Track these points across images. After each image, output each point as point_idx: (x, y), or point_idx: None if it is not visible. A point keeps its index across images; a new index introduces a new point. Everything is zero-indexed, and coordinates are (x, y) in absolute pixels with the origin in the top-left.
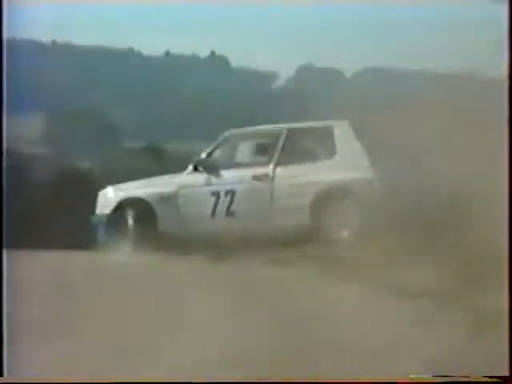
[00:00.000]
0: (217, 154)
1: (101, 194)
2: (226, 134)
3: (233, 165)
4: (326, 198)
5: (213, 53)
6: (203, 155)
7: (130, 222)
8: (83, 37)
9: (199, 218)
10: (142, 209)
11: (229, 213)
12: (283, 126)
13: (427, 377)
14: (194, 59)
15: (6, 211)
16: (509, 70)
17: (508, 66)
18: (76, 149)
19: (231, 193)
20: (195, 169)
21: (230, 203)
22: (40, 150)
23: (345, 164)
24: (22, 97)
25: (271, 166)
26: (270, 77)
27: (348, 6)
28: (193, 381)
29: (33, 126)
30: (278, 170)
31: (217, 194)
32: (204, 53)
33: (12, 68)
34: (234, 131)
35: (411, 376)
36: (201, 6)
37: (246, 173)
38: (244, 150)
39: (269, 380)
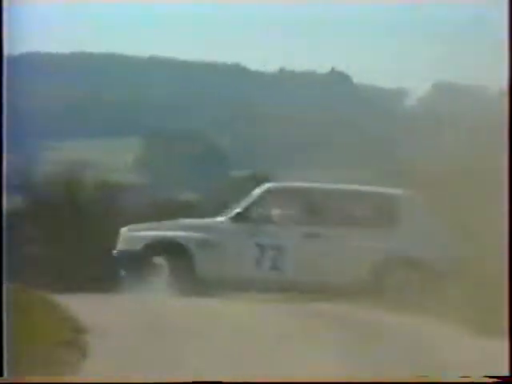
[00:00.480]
0: (259, 206)
1: (127, 229)
2: (268, 186)
3: (280, 219)
4: (393, 267)
5: (332, 69)
6: (243, 205)
7: (163, 263)
8: (184, 51)
9: (242, 267)
10: (177, 251)
11: (275, 267)
12: (334, 188)
13: (427, 377)
14: (311, 76)
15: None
16: (509, 70)
17: (508, 66)
18: (176, 177)
19: (278, 248)
20: (237, 218)
21: (277, 258)
22: (137, 179)
23: (411, 235)
24: (121, 120)
25: (324, 225)
26: (398, 94)
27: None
28: None
29: (129, 152)
30: (333, 230)
31: (261, 247)
32: (322, 69)
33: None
34: (277, 185)
35: (412, 376)
36: (318, 23)
37: (296, 230)
38: (289, 206)
39: (269, 380)
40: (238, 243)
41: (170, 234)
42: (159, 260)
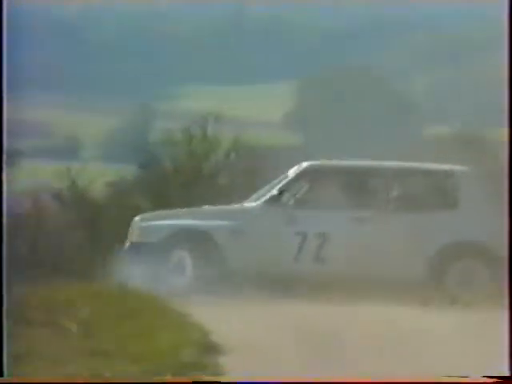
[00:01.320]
0: (296, 187)
1: (140, 219)
2: (305, 166)
3: (322, 203)
4: (453, 254)
5: None
6: (278, 188)
7: (186, 255)
8: None
9: (279, 259)
10: (203, 243)
11: (318, 258)
12: (387, 166)
13: (427, 377)
14: None
15: None
16: (508, 72)
17: (508, 67)
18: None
19: (323, 236)
20: (272, 202)
21: (321, 247)
22: (289, 138)
23: (474, 218)
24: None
25: (375, 209)
26: None
27: None
28: None
29: (277, 101)
30: (386, 215)
31: (303, 235)
32: None
33: None
34: (315, 163)
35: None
36: None
37: (343, 214)
38: (333, 188)
39: (269, 380)
40: (274, 231)
41: (193, 222)
42: (181, 253)
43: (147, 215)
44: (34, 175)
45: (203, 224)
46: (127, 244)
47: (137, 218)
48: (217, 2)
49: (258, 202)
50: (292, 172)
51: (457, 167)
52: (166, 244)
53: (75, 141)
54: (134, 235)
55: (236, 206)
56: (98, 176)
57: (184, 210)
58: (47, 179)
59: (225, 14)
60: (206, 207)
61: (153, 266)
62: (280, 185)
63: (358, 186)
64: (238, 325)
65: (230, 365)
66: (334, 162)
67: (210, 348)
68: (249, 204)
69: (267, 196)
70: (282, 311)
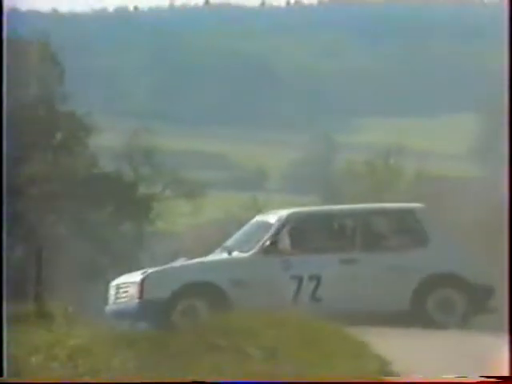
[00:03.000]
0: (283, 235)
1: (143, 277)
2: (288, 214)
3: (311, 248)
4: (433, 286)
5: None
6: (268, 236)
7: (198, 307)
8: None
9: (278, 303)
10: (214, 295)
11: (314, 298)
12: (356, 208)
13: (427, 377)
14: None
15: None
16: (509, 69)
17: (508, 66)
18: None
19: (316, 278)
20: (267, 251)
21: (316, 288)
22: (473, 170)
23: (445, 251)
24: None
25: (357, 250)
26: None
27: None
28: None
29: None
30: (367, 254)
31: (298, 279)
32: None
33: None
34: (298, 212)
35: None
36: None
37: (331, 257)
38: (316, 232)
39: (269, 380)
40: (272, 278)
41: (201, 275)
42: (194, 303)
43: (152, 272)
44: (222, 206)
45: (211, 276)
46: (135, 303)
47: (139, 276)
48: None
49: (254, 251)
50: (275, 221)
51: (416, 205)
52: (177, 298)
53: (260, 173)
54: (142, 292)
55: (236, 257)
56: (283, 206)
57: (189, 263)
58: (234, 209)
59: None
60: (208, 259)
61: (164, 320)
62: (268, 234)
63: (336, 230)
64: None
65: None
66: (311, 209)
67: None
68: (246, 254)
69: (261, 245)
70: None
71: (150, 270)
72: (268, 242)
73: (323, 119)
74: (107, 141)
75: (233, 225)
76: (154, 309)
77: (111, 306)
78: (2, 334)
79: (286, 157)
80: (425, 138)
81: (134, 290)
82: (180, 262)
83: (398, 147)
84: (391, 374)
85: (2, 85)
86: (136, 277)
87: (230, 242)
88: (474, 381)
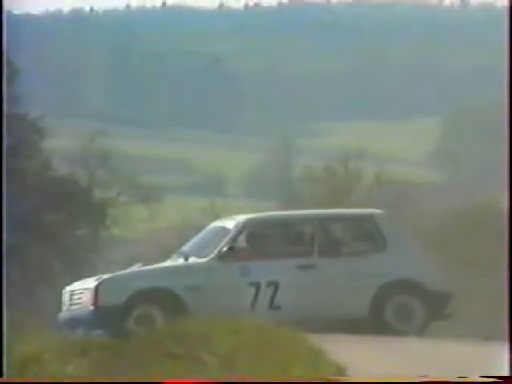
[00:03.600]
0: (241, 241)
1: (96, 283)
2: (246, 220)
3: (268, 254)
4: (391, 292)
5: None
6: (225, 242)
7: (156, 314)
8: None
9: (236, 310)
10: (169, 301)
11: (272, 305)
12: (314, 213)
13: (427, 377)
14: None
15: None
16: (509, 69)
17: (508, 65)
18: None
19: (274, 284)
20: (223, 257)
21: (274, 295)
22: (434, 175)
23: (403, 257)
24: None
25: (315, 256)
26: None
27: None
28: None
29: (422, 137)
30: (325, 260)
31: (256, 285)
32: None
33: None
34: (255, 217)
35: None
36: None
37: (288, 263)
38: (274, 238)
39: (269, 380)
40: (230, 284)
41: (156, 281)
42: (149, 310)
43: (105, 278)
44: (179, 211)
45: (166, 282)
46: (89, 309)
47: (93, 283)
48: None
49: (211, 257)
50: (232, 226)
51: (374, 210)
52: (131, 304)
53: (219, 177)
54: (96, 299)
55: (191, 263)
56: (241, 211)
57: (143, 269)
58: (191, 214)
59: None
60: (163, 265)
61: (118, 327)
62: (225, 240)
63: (294, 235)
64: None
65: None
66: (269, 214)
67: None
68: (202, 260)
69: (218, 251)
70: None
71: (104, 276)
72: (225, 248)
73: (283, 124)
74: (62, 144)
75: (190, 230)
76: (109, 316)
77: (65, 312)
78: (2, 334)
79: (245, 161)
80: (384, 142)
81: (88, 297)
82: (135, 268)
83: (357, 151)
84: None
85: (2, 85)
86: (90, 283)
87: (186, 248)
88: (474, 381)
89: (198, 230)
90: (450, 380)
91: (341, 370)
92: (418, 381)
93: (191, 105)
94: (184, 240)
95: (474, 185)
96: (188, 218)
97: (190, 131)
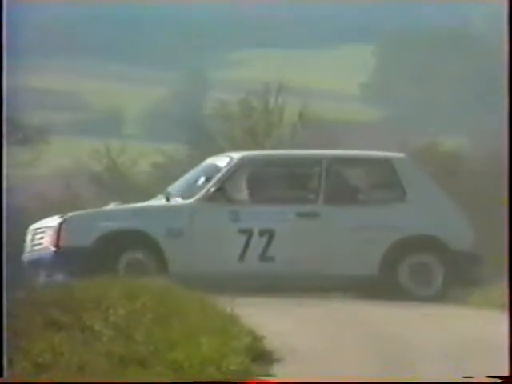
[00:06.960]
0: (234, 181)
1: (60, 221)
2: (241, 157)
3: (265, 198)
4: (407, 249)
5: None
6: (215, 181)
7: (125, 260)
8: None
9: (222, 260)
10: (144, 246)
11: (264, 257)
12: (321, 154)
13: (428, 377)
14: None
15: None
16: (508, 67)
17: (508, 64)
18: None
19: (269, 233)
20: (211, 198)
21: (267, 245)
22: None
23: (425, 209)
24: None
25: (320, 203)
26: None
27: None
28: None
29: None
30: (332, 208)
31: (248, 233)
32: None
33: None
34: (252, 155)
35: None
36: None
37: (288, 209)
38: (273, 180)
39: (268, 380)
40: (217, 230)
41: (129, 222)
42: (121, 256)
43: (70, 216)
44: (68, 154)
45: (141, 224)
46: (51, 250)
47: (57, 220)
48: None
49: (196, 198)
50: (224, 165)
51: (393, 154)
52: (100, 247)
53: (115, 114)
54: (61, 239)
55: (173, 203)
56: (142, 156)
57: (116, 208)
58: (83, 159)
59: None
60: (141, 205)
61: (85, 272)
62: (214, 179)
63: (297, 178)
64: None
65: None
66: (269, 152)
67: None
68: (187, 201)
69: (205, 191)
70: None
71: (70, 214)
72: (213, 188)
73: (193, 52)
74: None
75: (81, 177)
76: (72, 259)
77: (28, 254)
78: (2, 334)
79: (146, 96)
80: (309, 73)
81: (49, 237)
82: (109, 207)
83: (278, 84)
84: (261, 351)
85: (2, 85)
86: (53, 221)
87: (171, 188)
88: (475, 381)
89: (91, 176)
90: (450, 380)
91: (256, 340)
92: (418, 381)
93: (83, 28)
94: (74, 188)
95: (414, 124)
96: (78, 164)
97: (80, 60)
